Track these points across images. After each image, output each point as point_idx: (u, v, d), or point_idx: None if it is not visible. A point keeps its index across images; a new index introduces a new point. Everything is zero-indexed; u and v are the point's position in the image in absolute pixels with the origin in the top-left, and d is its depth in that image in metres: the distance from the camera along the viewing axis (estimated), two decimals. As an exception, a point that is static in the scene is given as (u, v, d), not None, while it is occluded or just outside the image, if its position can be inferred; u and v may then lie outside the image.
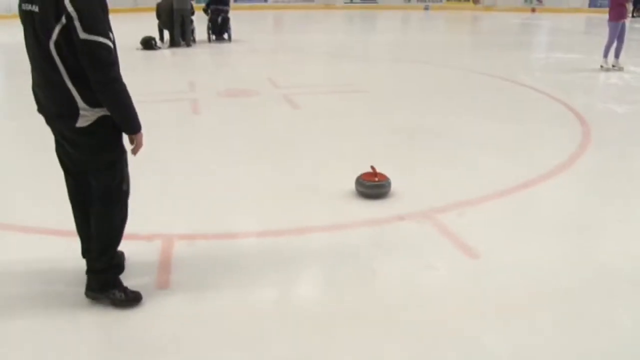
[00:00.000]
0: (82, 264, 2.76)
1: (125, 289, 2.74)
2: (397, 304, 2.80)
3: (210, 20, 13.69)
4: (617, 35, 9.80)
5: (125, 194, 2.73)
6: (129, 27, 14.45)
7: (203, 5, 14.21)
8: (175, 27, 12.53)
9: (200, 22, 13.67)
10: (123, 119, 2.53)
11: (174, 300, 2.80)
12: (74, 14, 2.25)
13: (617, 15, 9.71)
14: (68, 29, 2.27)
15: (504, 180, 4.46)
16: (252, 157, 4.97)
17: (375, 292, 2.90)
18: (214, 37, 13.77)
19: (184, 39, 12.67)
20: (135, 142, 2.61)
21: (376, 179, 4.06)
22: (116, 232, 2.74)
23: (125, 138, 2.62)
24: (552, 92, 7.91)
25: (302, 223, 3.66)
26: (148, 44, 12.02)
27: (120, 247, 2.84)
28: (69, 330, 2.58)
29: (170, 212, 3.78)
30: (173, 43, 12.69)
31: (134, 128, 2.57)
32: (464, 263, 3.19)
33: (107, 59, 2.36)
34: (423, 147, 5.39)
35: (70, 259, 2.97)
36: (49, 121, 2.60)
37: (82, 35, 2.27)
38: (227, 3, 14.01)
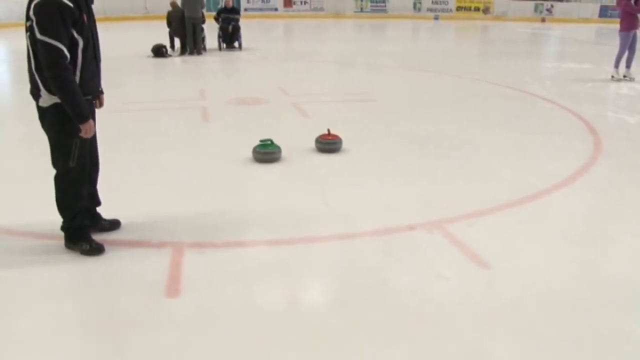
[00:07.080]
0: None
1: (91, 242, 3.25)
2: (407, 313, 2.78)
3: (221, 29, 13.78)
4: (629, 46, 9.78)
5: (73, 170, 3.11)
6: (140, 34, 14.57)
7: (214, 13, 14.32)
8: (186, 35, 12.63)
9: (211, 30, 13.76)
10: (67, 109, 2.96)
11: (183, 307, 2.79)
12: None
13: (628, 25, 9.70)
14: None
15: (515, 190, 4.44)
16: (262, 165, 4.97)
17: (386, 302, 2.88)
18: (224, 45, 13.86)
19: (194, 47, 12.76)
20: (82, 130, 3.02)
21: (330, 138, 5.21)
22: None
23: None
24: (563, 102, 7.88)
25: (312, 232, 3.66)
26: (159, 51, 12.12)
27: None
28: (80, 342, 2.59)
29: (181, 220, 3.78)
30: (184, 51, 12.78)
31: (76, 118, 2.98)
32: (474, 273, 3.16)
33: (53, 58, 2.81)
34: (433, 156, 5.38)
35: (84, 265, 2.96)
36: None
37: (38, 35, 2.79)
38: (237, 12, 14.12)
